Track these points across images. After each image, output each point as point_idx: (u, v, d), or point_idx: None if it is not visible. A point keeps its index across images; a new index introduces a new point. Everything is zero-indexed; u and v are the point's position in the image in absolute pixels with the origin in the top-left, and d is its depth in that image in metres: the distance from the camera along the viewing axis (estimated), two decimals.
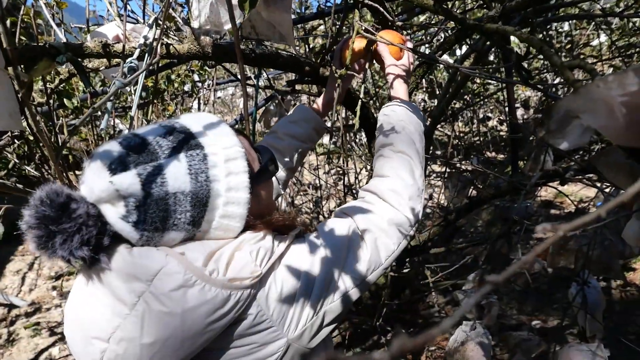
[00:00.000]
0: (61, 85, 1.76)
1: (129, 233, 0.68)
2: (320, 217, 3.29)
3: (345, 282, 0.80)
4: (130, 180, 0.66)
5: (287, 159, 1.21)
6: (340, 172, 2.65)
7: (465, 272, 2.32)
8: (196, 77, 2.58)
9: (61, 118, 1.87)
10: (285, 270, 0.76)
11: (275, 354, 0.73)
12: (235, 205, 0.75)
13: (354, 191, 2.68)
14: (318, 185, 3.24)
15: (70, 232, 0.64)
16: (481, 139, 3.80)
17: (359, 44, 1.15)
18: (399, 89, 1.12)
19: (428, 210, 3.34)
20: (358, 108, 1.24)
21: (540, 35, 2.25)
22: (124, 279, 0.67)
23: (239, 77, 0.96)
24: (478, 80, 3.01)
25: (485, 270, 1.91)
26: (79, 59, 1.05)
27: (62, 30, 1.27)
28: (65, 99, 1.80)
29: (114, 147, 0.71)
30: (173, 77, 2.35)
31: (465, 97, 3.00)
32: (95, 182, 0.67)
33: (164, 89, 2.23)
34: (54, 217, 0.64)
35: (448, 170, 2.55)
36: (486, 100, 3.32)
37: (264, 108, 1.99)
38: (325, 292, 0.78)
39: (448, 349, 1.41)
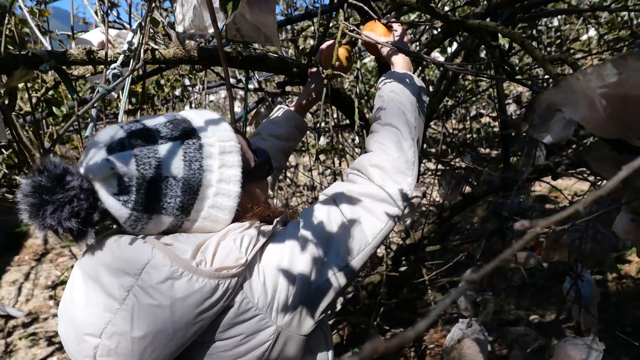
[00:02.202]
0: (49, 94, 1.75)
1: (118, 211, 0.70)
2: None
3: (330, 267, 0.79)
4: (125, 160, 0.69)
5: (272, 159, 1.21)
6: (336, 172, 2.65)
7: (461, 269, 2.32)
8: (187, 82, 2.58)
9: (50, 126, 1.86)
10: (268, 258, 0.76)
11: (266, 342, 0.74)
12: (225, 197, 0.76)
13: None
14: (313, 185, 3.24)
15: (62, 203, 0.66)
16: (474, 135, 3.80)
17: (341, 52, 1.17)
18: (396, 61, 1.07)
19: (422, 208, 3.35)
20: (356, 116, 1.22)
21: (531, 31, 2.26)
22: (113, 274, 0.68)
23: (230, 80, 0.95)
24: (470, 77, 3.01)
25: (481, 266, 1.91)
26: (64, 67, 1.05)
27: (47, 38, 1.26)
28: (54, 107, 1.79)
29: (115, 129, 0.74)
30: (162, 82, 2.34)
31: (458, 94, 3.01)
32: (92, 159, 0.69)
33: (153, 94, 2.22)
34: (48, 187, 0.66)
35: (441, 167, 2.55)
36: (478, 96, 3.33)
37: (254, 111, 1.98)
38: (310, 278, 0.77)
39: (445, 347, 1.41)
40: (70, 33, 1.38)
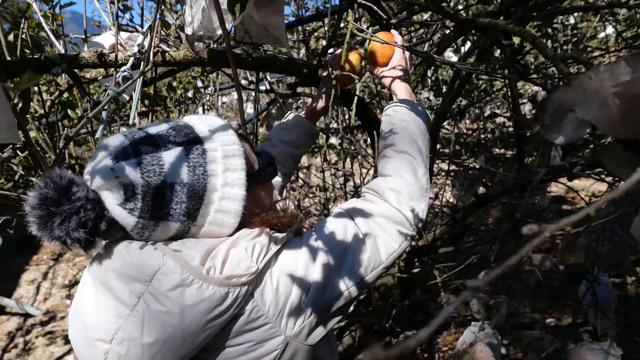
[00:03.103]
0: (65, 96, 1.78)
1: (125, 219, 0.71)
2: None
3: (344, 280, 0.80)
4: (130, 168, 0.69)
5: (281, 165, 1.22)
6: (346, 173, 2.64)
7: (475, 270, 2.29)
8: (200, 83, 2.60)
9: (66, 128, 1.89)
10: (282, 267, 0.76)
11: (274, 351, 0.74)
12: (230, 200, 0.76)
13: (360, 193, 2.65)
14: (326, 187, 3.24)
15: (69, 214, 0.67)
16: (489, 136, 3.75)
17: (354, 57, 1.17)
18: (400, 88, 1.11)
19: (435, 210, 3.32)
20: (354, 105, 1.24)
21: (546, 29, 2.22)
22: (124, 280, 0.69)
23: (239, 82, 0.95)
24: (484, 77, 2.97)
25: (495, 268, 1.88)
26: (76, 70, 1.06)
27: (62, 41, 1.28)
28: (69, 110, 1.82)
29: (119, 138, 0.74)
30: (175, 84, 2.36)
31: (471, 93, 2.97)
32: (97, 169, 0.70)
33: (166, 96, 2.24)
34: (55, 198, 0.67)
35: (454, 168, 2.52)
36: (493, 96, 3.28)
37: (265, 112, 1.99)
38: (323, 290, 0.78)
39: (457, 351, 1.39)
40: (83, 36, 1.40)
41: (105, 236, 0.72)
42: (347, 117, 2.37)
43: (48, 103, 1.39)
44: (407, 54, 1.16)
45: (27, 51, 1.63)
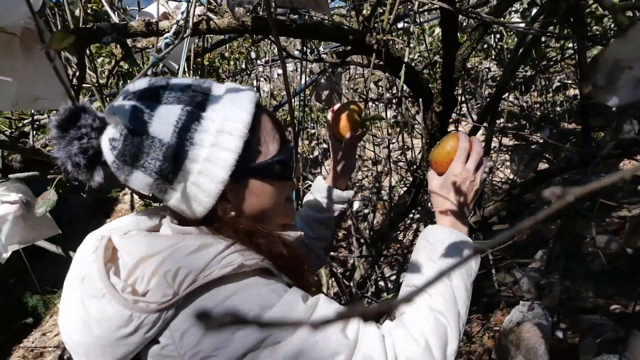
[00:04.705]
0: (125, 67, 1.87)
1: (106, 154, 0.72)
2: (382, 192, 3.23)
3: None
4: (125, 109, 0.69)
5: (310, 231, 1.16)
6: (387, 143, 2.57)
7: (532, 249, 2.17)
8: (253, 55, 2.62)
9: None
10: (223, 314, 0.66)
11: None
12: (208, 178, 0.70)
13: (414, 167, 2.59)
14: (378, 159, 3.19)
15: (72, 138, 0.69)
16: (558, 109, 3.47)
17: (347, 115, 1.09)
18: (447, 212, 0.89)
19: (489, 184, 3.16)
20: (402, 73, 1.19)
21: None
22: (76, 278, 0.71)
23: (282, 50, 0.94)
24: (553, 45, 2.73)
25: (554, 248, 1.77)
26: (125, 39, 1.10)
27: (116, 13, 1.33)
28: (129, 80, 1.91)
29: (142, 81, 0.75)
30: (227, 54, 2.39)
31: (538, 62, 2.75)
32: (111, 104, 0.72)
33: (218, 67, 2.28)
34: (65, 123, 0.70)
35: (514, 142, 2.37)
36: (563, 64, 3.02)
37: (314, 82, 1.97)
38: None
39: (502, 329, 1.33)
40: (137, 8, 1.45)
41: (106, 167, 0.73)
42: (397, 86, 2.29)
43: (106, 73, 1.46)
44: (479, 174, 0.88)
45: (92, 24, 1.72)
